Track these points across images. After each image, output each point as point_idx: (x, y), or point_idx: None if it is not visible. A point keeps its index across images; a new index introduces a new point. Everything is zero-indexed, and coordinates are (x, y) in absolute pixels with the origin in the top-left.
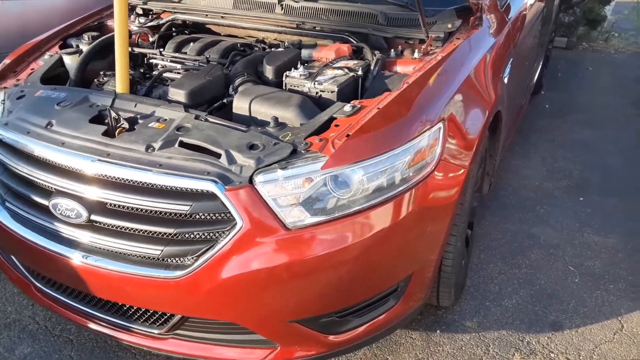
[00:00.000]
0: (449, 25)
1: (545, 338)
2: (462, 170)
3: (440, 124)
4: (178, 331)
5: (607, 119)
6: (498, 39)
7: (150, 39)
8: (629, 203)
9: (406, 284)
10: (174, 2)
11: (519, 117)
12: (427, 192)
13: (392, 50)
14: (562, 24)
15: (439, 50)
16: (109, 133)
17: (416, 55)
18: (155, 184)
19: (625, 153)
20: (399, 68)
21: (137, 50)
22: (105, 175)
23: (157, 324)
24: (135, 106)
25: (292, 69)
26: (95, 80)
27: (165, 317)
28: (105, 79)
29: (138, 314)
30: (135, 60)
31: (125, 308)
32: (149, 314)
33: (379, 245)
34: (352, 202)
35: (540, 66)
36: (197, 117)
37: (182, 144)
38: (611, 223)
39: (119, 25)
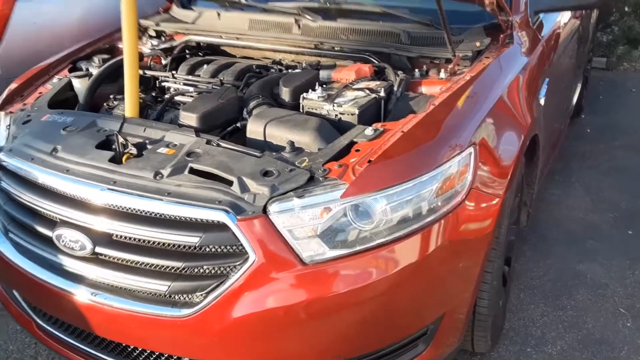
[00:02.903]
0: (478, 44)
1: None
2: (496, 200)
3: (471, 149)
4: None
5: None
6: (531, 58)
7: (163, 62)
8: None
9: (437, 326)
10: (188, 23)
11: (559, 142)
12: (458, 224)
13: (417, 70)
14: (601, 44)
15: (467, 70)
16: (115, 159)
17: (442, 75)
18: (163, 214)
19: None
20: (424, 89)
21: (149, 73)
22: (111, 205)
23: None
24: (144, 131)
25: (310, 90)
26: (105, 104)
27: None
28: (115, 102)
29: (144, 356)
30: (147, 84)
31: (130, 349)
32: (154, 355)
33: (405, 282)
34: (375, 234)
35: (579, 88)
36: (208, 142)
37: (192, 171)
38: None
39: (128, 46)
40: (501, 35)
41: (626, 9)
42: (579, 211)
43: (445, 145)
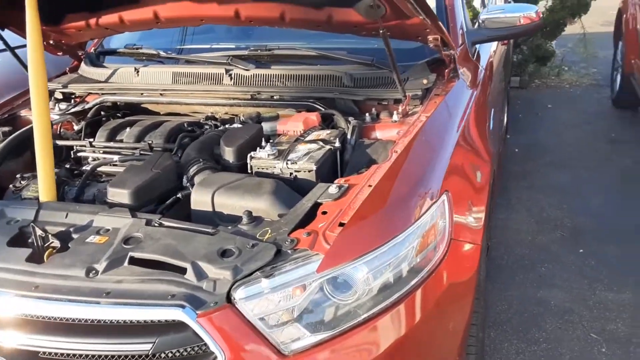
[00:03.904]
0: (424, 81)
1: None
2: (475, 246)
3: (444, 197)
4: None
5: (580, 157)
6: (477, 90)
7: (75, 127)
8: (629, 247)
9: None
10: (101, 82)
11: (501, 166)
12: (442, 281)
13: (367, 114)
14: (513, 64)
15: (419, 109)
16: (34, 257)
17: (395, 117)
18: (102, 320)
19: (608, 191)
20: (379, 134)
21: (60, 142)
22: (34, 316)
23: None
24: (66, 217)
25: (257, 148)
26: (11, 186)
27: None
28: (23, 182)
29: None
30: (59, 155)
31: None
32: None
33: (399, 356)
34: (358, 307)
35: (506, 110)
36: (148, 223)
37: (134, 261)
38: (619, 274)
39: (38, 115)
40: (445, 70)
41: None
42: (526, 234)
43: (418, 196)
